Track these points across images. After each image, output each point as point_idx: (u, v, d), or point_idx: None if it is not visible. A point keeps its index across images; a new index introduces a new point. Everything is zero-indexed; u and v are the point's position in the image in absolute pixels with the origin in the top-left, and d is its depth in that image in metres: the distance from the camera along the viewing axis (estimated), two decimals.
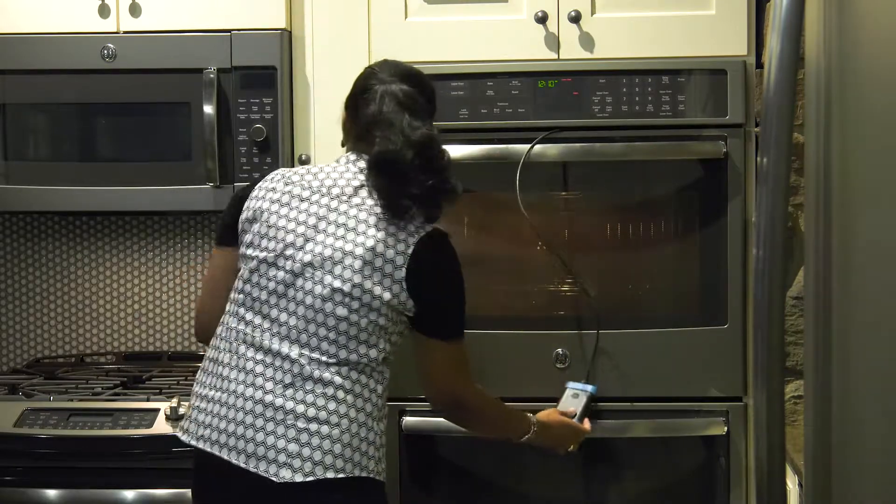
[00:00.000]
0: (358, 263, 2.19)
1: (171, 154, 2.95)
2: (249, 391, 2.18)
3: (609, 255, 2.77)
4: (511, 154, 2.70)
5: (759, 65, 2.65)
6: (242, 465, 2.15)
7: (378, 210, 2.23)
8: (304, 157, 2.96)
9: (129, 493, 2.71)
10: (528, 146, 2.67)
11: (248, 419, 2.17)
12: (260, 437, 2.15)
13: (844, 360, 1.33)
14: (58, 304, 3.42)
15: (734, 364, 2.70)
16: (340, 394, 2.18)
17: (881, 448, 1.21)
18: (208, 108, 2.85)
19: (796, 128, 1.62)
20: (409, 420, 2.74)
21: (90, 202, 2.98)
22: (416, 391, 2.74)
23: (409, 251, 2.21)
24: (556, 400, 2.72)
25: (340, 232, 2.22)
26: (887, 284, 1.18)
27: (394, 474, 2.75)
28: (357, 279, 2.19)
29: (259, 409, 2.17)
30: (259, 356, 2.20)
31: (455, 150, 2.71)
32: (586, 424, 2.63)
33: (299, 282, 2.21)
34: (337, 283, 2.19)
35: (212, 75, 2.86)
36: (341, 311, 2.19)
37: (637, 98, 2.69)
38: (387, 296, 2.20)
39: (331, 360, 2.18)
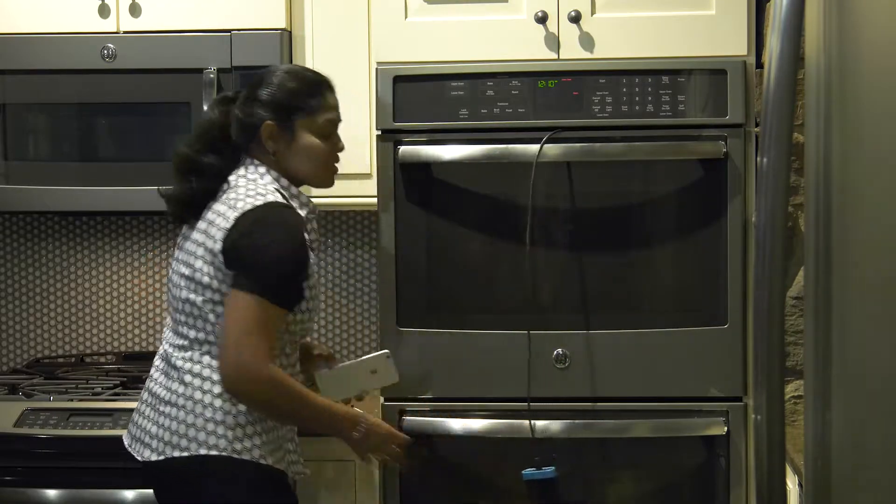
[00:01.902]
0: (192, 246, 2.34)
1: (171, 154, 2.95)
2: (148, 384, 2.44)
3: (609, 255, 2.77)
4: (511, 154, 2.70)
5: (759, 65, 2.65)
6: (126, 446, 2.43)
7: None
8: None
9: (129, 493, 2.72)
10: (537, 146, 2.66)
11: (140, 407, 2.43)
12: (140, 421, 2.40)
13: (844, 360, 1.33)
14: (58, 304, 3.42)
15: (734, 364, 2.70)
16: (188, 377, 2.33)
17: (881, 448, 1.21)
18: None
19: (796, 128, 1.62)
20: (409, 420, 2.74)
21: (90, 202, 2.98)
22: (416, 391, 2.75)
23: (229, 225, 2.28)
24: (556, 400, 2.72)
25: (202, 226, 2.35)
26: (887, 284, 1.18)
27: (394, 474, 2.75)
28: (191, 260, 2.33)
29: (146, 397, 2.42)
30: (157, 355, 2.45)
31: (455, 151, 2.71)
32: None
33: (171, 278, 2.42)
34: (182, 269, 2.36)
35: (212, 75, 2.86)
36: (184, 294, 2.34)
37: (637, 98, 2.69)
38: (211, 270, 2.30)
39: (184, 343, 2.35)
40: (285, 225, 2.31)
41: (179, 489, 2.34)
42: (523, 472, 2.69)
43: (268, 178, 2.39)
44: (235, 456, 2.29)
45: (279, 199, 2.34)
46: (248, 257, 2.28)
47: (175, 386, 2.34)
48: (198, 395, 2.31)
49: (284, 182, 2.41)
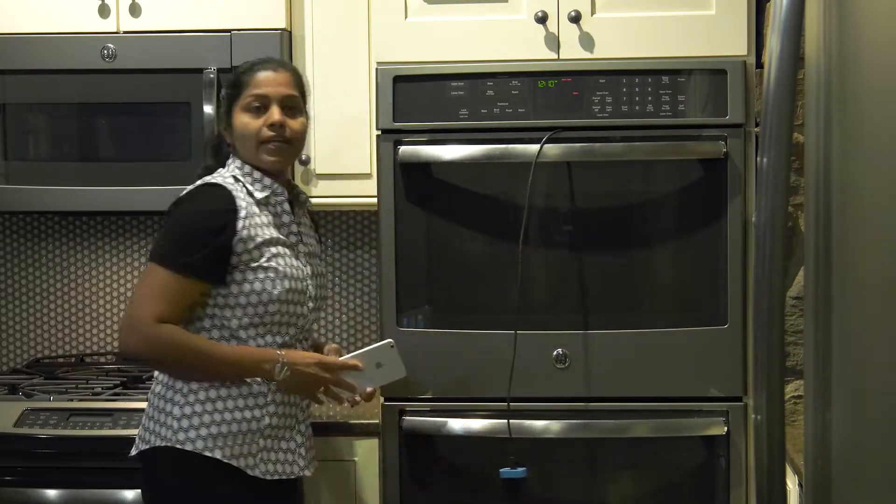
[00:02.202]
0: None
1: (171, 154, 2.95)
2: None
3: (609, 255, 2.77)
4: (511, 154, 2.70)
5: (759, 65, 2.65)
6: None
7: None
8: (303, 157, 2.96)
9: (129, 493, 2.71)
10: (537, 146, 2.66)
11: None
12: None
13: (844, 360, 1.33)
14: (58, 304, 3.42)
15: (734, 364, 2.70)
16: (157, 374, 2.43)
17: (881, 448, 1.21)
18: (208, 108, 2.85)
19: (796, 128, 1.62)
20: (409, 420, 2.74)
21: (90, 202, 2.98)
22: (416, 391, 2.75)
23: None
24: (556, 400, 2.72)
25: None
26: (887, 284, 1.18)
27: (394, 474, 2.75)
28: None
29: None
30: None
31: (455, 151, 2.71)
32: (369, 389, 2.47)
33: None
34: None
35: (212, 75, 2.86)
36: None
37: (637, 98, 2.69)
38: None
39: None
40: (199, 200, 2.37)
41: (142, 481, 2.45)
42: (501, 470, 2.70)
43: (232, 166, 2.45)
44: (178, 446, 2.33)
45: (225, 181, 2.39)
46: (159, 231, 2.45)
47: (153, 385, 2.46)
48: (158, 388, 2.41)
49: (248, 168, 2.44)
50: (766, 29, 1.75)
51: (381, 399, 2.77)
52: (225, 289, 2.36)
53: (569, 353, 2.72)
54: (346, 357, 2.47)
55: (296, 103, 2.45)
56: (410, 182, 2.74)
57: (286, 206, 2.46)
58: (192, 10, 2.94)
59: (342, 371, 2.43)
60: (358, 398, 2.46)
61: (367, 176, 2.96)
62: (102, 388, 2.95)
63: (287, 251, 2.41)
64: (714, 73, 2.67)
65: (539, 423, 2.69)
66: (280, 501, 2.45)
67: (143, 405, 2.77)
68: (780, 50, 1.37)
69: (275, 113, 2.40)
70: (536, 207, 2.71)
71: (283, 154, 2.43)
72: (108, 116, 3.00)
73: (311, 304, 2.45)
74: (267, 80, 2.42)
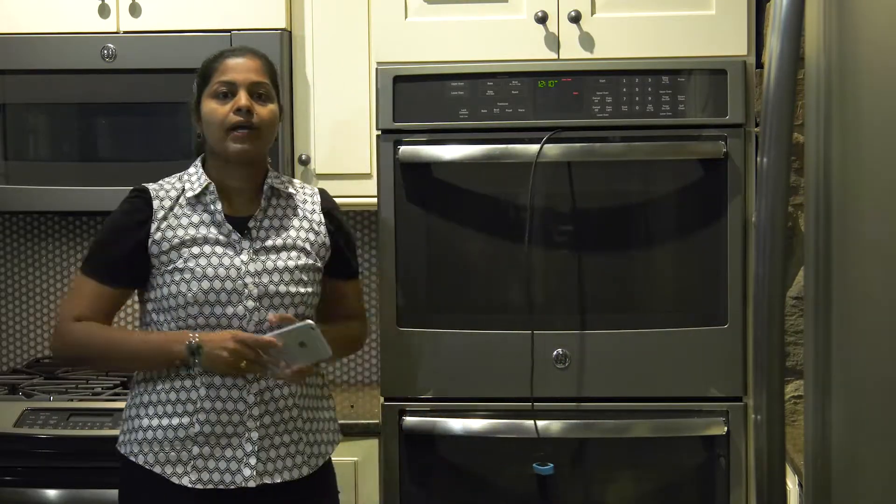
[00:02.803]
0: None
1: (171, 154, 2.95)
2: None
3: (609, 255, 2.77)
4: (511, 154, 2.70)
5: (759, 65, 2.65)
6: None
7: None
8: (303, 157, 2.96)
9: None
10: (537, 146, 2.67)
11: None
12: None
13: (844, 360, 1.33)
14: (58, 304, 3.41)
15: (734, 364, 2.70)
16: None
17: (881, 448, 1.21)
18: None
19: (796, 128, 1.62)
20: (409, 420, 2.74)
21: (90, 202, 2.98)
22: (416, 391, 2.75)
23: None
24: (556, 400, 2.72)
25: None
26: (887, 284, 1.18)
27: (394, 474, 2.75)
28: None
29: None
30: None
31: (455, 151, 2.72)
32: (294, 367, 2.26)
33: None
34: None
35: None
36: None
37: (637, 98, 2.69)
38: None
39: None
40: (120, 206, 2.41)
41: None
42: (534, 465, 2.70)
43: (196, 161, 2.42)
44: (120, 450, 2.38)
45: (160, 183, 2.40)
46: None
47: None
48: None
49: (199, 163, 2.40)
50: (766, 29, 1.75)
51: (382, 399, 2.77)
52: (149, 293, 2.35)
53: (569, 353, 2.72)
54: (266, 335, 2.28)
55: (265, 90, 2.36)
56: (410, 182, 2.74)
57: (218, 206, 2.35)
58: (192, 10, 2.94)
59: (263, 347, 2.25)
60: (288, 371, 2.26)
61: (367, 176, 2.96)
62: (102, 388, 2.95)
63: (218, 249, 2.31)
64: (714, 73, 2.67)
65: (539, 423, 2.69)
66: None
67: None
68: (780, 50, 1.37)
69: (242, 98, 2.31)
70: (536, 207, 2.71)
71: (250, 141, 2.32)
72: (107, 116, 3.00)
73: (250, 304, 2.29)
74: (234, 67, 2.34)
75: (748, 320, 2.66)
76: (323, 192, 2.49)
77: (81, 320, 2.32)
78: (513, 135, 2.71)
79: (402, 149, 2.73)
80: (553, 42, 2.73)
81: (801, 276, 2.53)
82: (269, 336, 2.24)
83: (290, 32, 2.95)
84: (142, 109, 2.97)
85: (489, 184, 2.77)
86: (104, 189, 2.95)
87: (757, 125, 2.64)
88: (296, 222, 2.40)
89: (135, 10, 2.94)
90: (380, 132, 2.76)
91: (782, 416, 1.43)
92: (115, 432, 2.70)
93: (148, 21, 2.94)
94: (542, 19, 2.71)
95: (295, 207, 2.42)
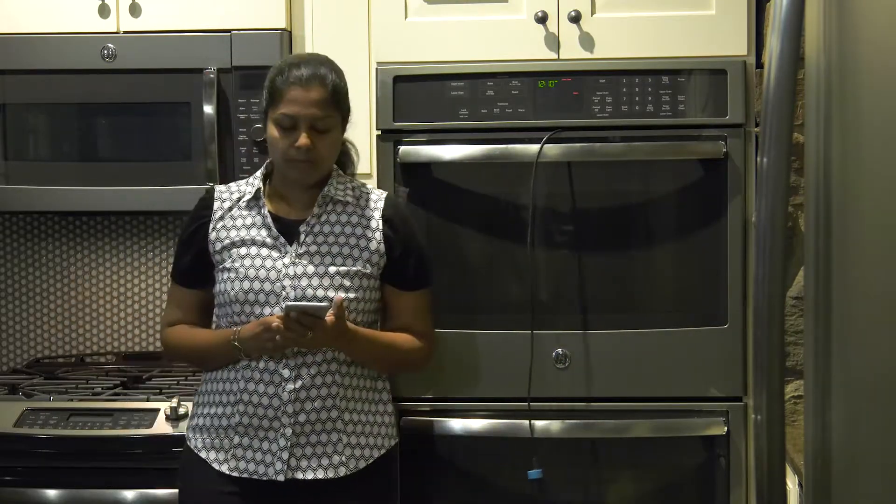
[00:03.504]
0: None
1: (171, 154, 2.95)
2: None
3: (609, 255, 2.77)
4: (511, 154, 2.70)
5: (759, 65, 2.65)
6: None
7: None
8: None
9: (129, 493, 2.71)
10: (537, 146, 2.66)
11: None
12: None
13: (844, 360, 1.33)
14: (58, 304, 3.42)
15: (734, 364, 2.70)
16: None
17: (881, 448, 1.21)
18: (208, 108, 2.85)
19: (796, 128, 1.62)
20: (409, 420, 2.74)
21: (90, 202, 2.98)
22: (416, 391, 2.75)
23: None
24: (556, 400, 2.72)
25: None
26: (887, 284, 1.18)
27: (394, 474, 2.75)
28: None
29: None
30: None
31: (455, 151, 2.71)
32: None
33: None
34: None
35: (212, 75, 2.86)
36: None
37: (637, 98, 2.69)
38: None
39: None
40: (192, 210, 2.54)
41: None
42: (529, 472, 2.69)
43: (263, 167, 2.53)
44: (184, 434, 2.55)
45: (228, 185, 2.54)
46: None
47: None
48: None
49: (265, 170, 2.51)
50: (766, 29, 1.75)
51: None
52: (214, 290, 2.48)
53: (569, 353, 2.72)
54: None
55: (326, 123, 2.39)
56: (410, 182, 2.74)
57: (266, 210, 2.45)
58: (192, 10, 2.93)
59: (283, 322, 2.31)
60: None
61: (367, 176, 2.95)
62: (102, 388, 2.95)
63: (263, 252, 2.42)
64: (714, 73, 2.67)
65: (539, 424, 2.69)
66: (255, 500, 2.40)
67: (144, 405, 2.80)
68: (780, 50, 1.37)
69: (302, 137, 2.37)
70: (537, 207, 2.71)
71: (307, 172, 2.42)
72: (108, 116, 3.00)
73: (286, 305, 2.33)
74: (297, 100, 2.37)
75: (748, 320, 2.66)
76: (388, 199, 2.54)
77: (174, 323, 2.53)
78: (513, 135, 2.71)
79: (402, 149, 2.73)
80: (553, 42, 2.73)
81: (801, 276, 2.53)
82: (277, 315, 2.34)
83: (290, 32, 2.95)
84: (142, 109, 2.97)
85: (489, 184, 2.77)
86: (104, 189, 2.95)
87: (757, 125, 2.64)
88: (349, 228, 2.46)
89: (135, 10, 2.94)
90: (380, 132, 2.76)
91: (782, 416, 1.43)
92: (116, 432, 2.72)
93: (148, 21, 2.94)
94: (542, 19, 2.71)
95: (352, 213, 2.47)
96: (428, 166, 2.75)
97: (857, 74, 1.28)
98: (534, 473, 2.68)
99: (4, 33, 2.96)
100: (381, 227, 2.47)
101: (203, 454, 2.43)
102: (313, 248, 2.43)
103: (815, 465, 1.42)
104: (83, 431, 2.74)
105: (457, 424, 2.74)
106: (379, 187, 2.76)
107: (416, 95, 2.73)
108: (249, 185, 2.50)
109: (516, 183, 2.71)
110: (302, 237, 2.43)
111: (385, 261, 2.47)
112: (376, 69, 2.76)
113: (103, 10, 2.95)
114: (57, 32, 2.95)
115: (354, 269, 2.43)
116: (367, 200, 2.50)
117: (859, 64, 1.28)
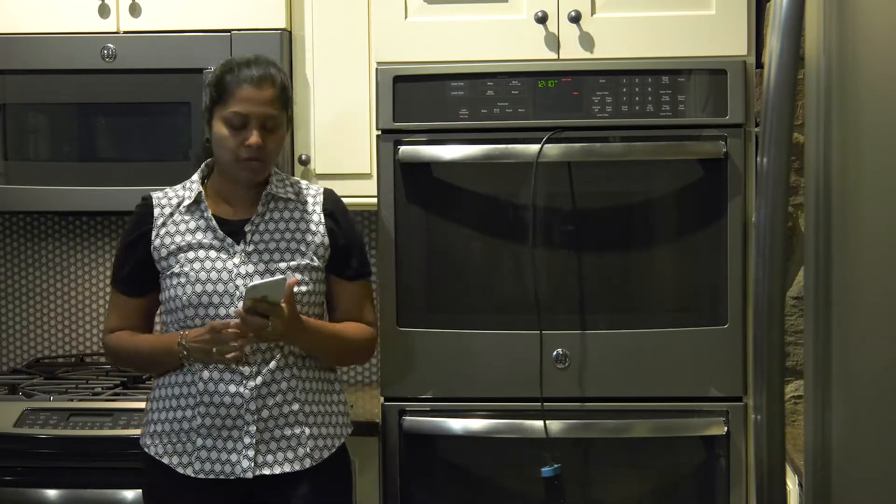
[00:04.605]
0: None
1: (171, 154, 2.95)
2: None
3: (609, 255, 2.77)
4: (511, 154, 2.70)
5: (759, 65, 2.65)
6: None
7: None
8: (303, 157, 2.96)
9: (129, 493, 2.72)
10: (537, 146, 2.66)
11: None
12: None
13: (844, 360, 1.33)
14: (58, 304, 3.42)
15: (734, 364, 2.70)
16: None
17: (881, 448, 1.21)
18: None
19: (796, 128, 1.62)
20: (409, 420, 2.74)
21: (90, 202, 2.98)
22: (416, 391, 2.75)
23: None
24: (556, 399, 2.72)
25: None
26: (887, 284, 1.18)
27: (394, 474, 2.75)
28: None
29: None
30: None
31: (455, 151, 2.72)
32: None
33: None
34: None
35: None
36: None
37: (637, 98, 2.69)
38: None
39: None
40: (130, 217, 2.54)
41: None
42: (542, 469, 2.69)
43: (201, 166, 2.52)
44: (139, 442, 2.49)
45: (164, 190, 2.52)
46: None
47: None
48: None
49: (201, 173, 2.50)
50: (766, 29, 1.75)
51: (382, 399, 2.77)
52: (160, 296, 2.48)
53: (569, 353, 2.72)
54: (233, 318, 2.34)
55: (275, 122, 2.41)
56: (410, 182, 2.74)
57: (209, 213, 2.44)
58: (192, 10, 2.93)
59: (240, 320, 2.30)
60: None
61: (367, 176, 2.96)
62: (102, 388, 2.95)
63: (212, 254, 2.41)
64: (714, 73, 2.67)
65: (539, 424, 2.69)
66: (223, 500, 2.40)
67: (144, 405, 2.79)
68: (780, 50, 1.37)
69: (254, 135, 2.37)
70: (537, 208, 2.71)
71: (257, 171, 2.42)
72: (107, 116, 3.00)
73: (241, 305, 2.32)
74: (249, 98, 2.37)
75: (748, 320, 2.66)
76: (327, 193, 2.55)
77: (115, 330, 2.51)
78: (513, 135, 2.71)
79: (402, 149, 2.73)
80: (553, 42, 2.73)
81: (801, 276, 2.53)
82: (233, 320, 2.31)
83: (290, 32, 2.95)
84: (142, 109, 2.97)
85: (489, 184, 2.77)
86: (104, 189, 2.95)
87: (757, 125, 2.64)
88: (293, 224, 2.48)
89: (135, 10, 2.94)
90: (380, 132, 2.76)
91: (782, 416, 1.43)
92: (116, 432, 2.72)
93: (148, 21, 2.94)
94: (542, 19, 2.71)
95: (294, 210, 2.49)
96: (428, 166, 2.75)
97: (857, 74, 1.28)
98: (548, 471, 2.68)
99: (4, 33, 2.96)
100: (323, 220, 2.50)
101: (165, 460, 2.40)
102: (261, 246, 2.43)
103: (815, 465, 1.42)
104: (83, 431, 2.74)
105: (457, 424, 2.74)
106: (379, 187, 2.76)
107: (416, 95, 2.73)
108: (187, 189, 2.49)
109: (516, 183, 2.71)
110: (248, 236, 2.43)
111: (330, 252, 2.49)
112: (376, 69, 2.76)
113: (103, 10, 2.95)
114: (57, 32, 2.95)
115: (304, 262, 2.45)
116: (307, 196, 2.52)
117: (859, 64, 1.28)
